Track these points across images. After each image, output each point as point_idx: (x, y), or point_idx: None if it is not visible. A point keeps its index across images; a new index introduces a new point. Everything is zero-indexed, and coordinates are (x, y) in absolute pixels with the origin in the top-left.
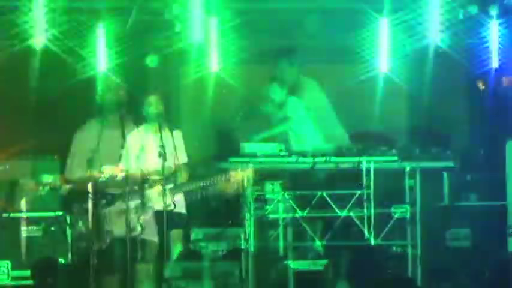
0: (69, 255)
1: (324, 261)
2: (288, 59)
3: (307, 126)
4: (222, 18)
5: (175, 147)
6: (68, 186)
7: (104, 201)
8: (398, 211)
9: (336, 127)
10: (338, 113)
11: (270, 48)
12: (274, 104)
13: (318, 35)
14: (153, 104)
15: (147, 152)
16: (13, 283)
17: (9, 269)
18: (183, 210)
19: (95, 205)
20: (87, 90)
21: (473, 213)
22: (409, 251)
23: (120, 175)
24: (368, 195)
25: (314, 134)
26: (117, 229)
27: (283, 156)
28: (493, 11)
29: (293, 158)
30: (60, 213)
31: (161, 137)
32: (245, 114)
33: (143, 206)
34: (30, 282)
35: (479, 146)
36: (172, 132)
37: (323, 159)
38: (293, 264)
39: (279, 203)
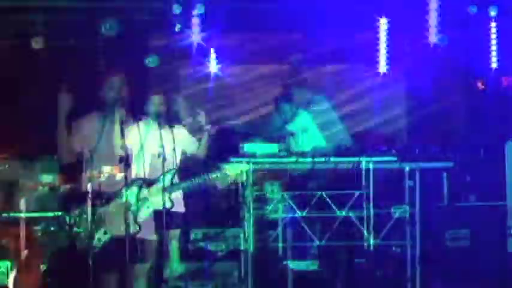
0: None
1: (324, 262)
2: (290, 103)
3: (311, 134)
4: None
5: (174, 146)
6: (67, 186)
7: (102, 201)
8: (398, 211)
9: (338, 128)
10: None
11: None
12: (282, 118)
13: (318, 35)
14: (154, 104)
15: (146, 151)
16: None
17: (9, 270)
18: (182, 209)
19: (93, 205)
20: (88, 90)
21: (473, 214)
22: (408, 251)
23: (119, 175)
24: (367, 195)
25: (316, 139)
26: (116, 229)
27: (282, 156)
28: (493, 11)
29: (293, 158)
30: (60, 213)
31: (161, 136)
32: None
33: (141, 205)
34: None
35: (479, 146)
36: (172, 131)
37: (322, 159)
38: (292, 265)
39: (279, 203)
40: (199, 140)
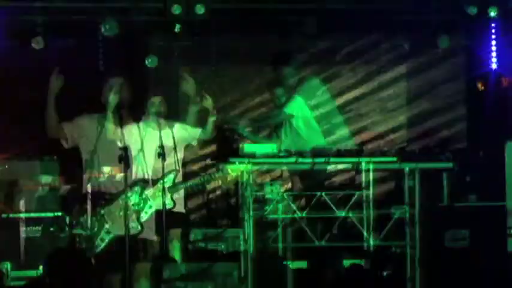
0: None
1: (324, 262)
2: (288, 64)
3: (308, 125)
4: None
5: (175, 145)
6: (67, 187)
7: (103, 202)
8: (398, 212)
9: (340, 126)
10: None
11: (268, 53)
12: (278, 104)
13: (318, 36)
14: (155, 104)
15: (146, 151)
16: (13, 284)
17: (9, 270)
18: (183, 210)
19: (94, 205)
20: (88, 89)
21: (473, 214)
22: (408, 251)
23: (119, 175)
24: (367, 196)
25: (315, 134)
26: (118, 228)
27: (282, 156)
28: (493, 12)
29: (292, 159)
30: (60, 213)
31: (160, 136)
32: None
33: (144, 205)
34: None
35: (479, 146)
36: (172, 129)
37: (322, 159)
38: (292, 265)
39: (278, 204)
40: (204, 125)
